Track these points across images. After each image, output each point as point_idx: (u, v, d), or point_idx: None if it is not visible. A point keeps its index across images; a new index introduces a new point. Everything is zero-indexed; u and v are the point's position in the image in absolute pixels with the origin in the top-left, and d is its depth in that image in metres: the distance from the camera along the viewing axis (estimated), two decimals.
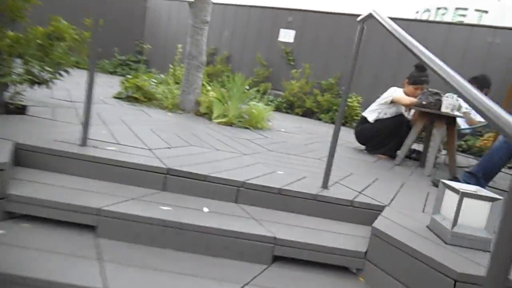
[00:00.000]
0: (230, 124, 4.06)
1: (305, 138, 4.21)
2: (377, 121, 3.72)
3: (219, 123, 4.05)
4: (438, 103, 3.29)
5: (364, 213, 1.96)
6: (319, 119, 7.09)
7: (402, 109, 3.76)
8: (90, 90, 2.07)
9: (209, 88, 4.68)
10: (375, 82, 6.95)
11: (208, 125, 3.79)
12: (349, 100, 6.79)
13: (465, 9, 24.24)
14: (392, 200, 2.15)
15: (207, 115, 4.27)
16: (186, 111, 4.34)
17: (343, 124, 6.86)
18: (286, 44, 7.77)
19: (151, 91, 4.60)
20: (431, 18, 24.28)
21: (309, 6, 7.86)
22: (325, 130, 5.52)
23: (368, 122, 3.80)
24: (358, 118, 6.66)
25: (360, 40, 2.16)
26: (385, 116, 3.71)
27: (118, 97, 4.55)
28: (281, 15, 7.80)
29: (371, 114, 3.80)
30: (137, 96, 4.49)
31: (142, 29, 10.14)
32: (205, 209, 1.74)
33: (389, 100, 3.64)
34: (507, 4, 20.34)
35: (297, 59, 7.67)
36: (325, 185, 2.10)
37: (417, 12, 26.61)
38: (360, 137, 3.90)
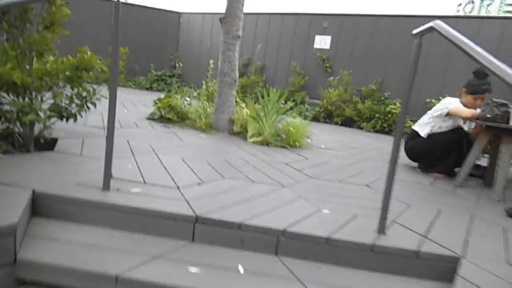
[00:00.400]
0: (266, 143, 3.80)
1: (349, 156, 3.84)
2: (430, 135, 3.29)
3: (254, 142, 3.80)
4: (506, 116, 2.82)
5: (433, 266, 1.61)
6: (360, 128, 6.64)
7: (460, 122, 3.29)
8: (111, 130, 1.86)
9: (242, 105, 4.46)
10: (420, 87, 6.40)
11: (242, 147, 3.55)
12: (393, 106, 6.31)
13: None
14: (465, 244, 1.77)
15: (241, 133, 4.04)
16: (220, 130, 4.14)
17: (387, 133, 6.38)
18: (322, 51, 7.41)
19: (184, 110, 4.45)
20: (475, 10, 22.75)
21: (345, 10, 7.46)
22: (368, 142, 5.10)
23: (419, 136, 3.37)
24: (404, 126, 6.15)
25: (418, 56, 1.79)
26: (440, 130, 3.26)
27: (151, 118, 4.45)
28: (316, 21, 7.47)
29: (423, 128, 3.37)
30: (170, 117, 4.36)
31: (176, 44, 10.21)
32: (241, 269, 1.48)
33: (445, 113, 3.19)
34: None
35: (334, 66, 7.28)
36: (381, 229, 1.76)
37: (459, 5, 25.12)
38: (411, 154, 3.48)
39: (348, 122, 6.89)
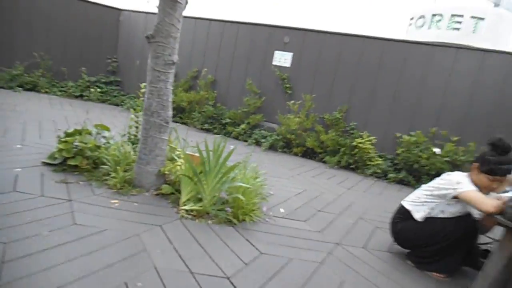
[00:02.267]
0: (204, 214, 2.75)
1: (318, 234, 2.91)
2: (428, 220, 2.45)
3: (189, 212, 2.74)
4: None
5: None
6: (323, 161, 5.82)
7: (470, 208, 2.46)
8: None
9: (178, 150, 3.36)
10: (391, 117, 5.71)
11: (170, 223, 2.48)
12: (359, 140, 5.54)
13: (461, 15, 23.52)
14: None
15: (172, 196, 2.96)
16: (143, 188, 3.02)
17: (353, 170, 5.61)
18: (282, 69, 6.49)
19: (99, 152, 3.26)
20: (426, 25, 23.47)
21: (308, 25, 6.62)
22: (337, 192, 4.22)
23: (412, 218, 2.52)
24: (372, 163, 5.45)
25: None
26: (441, 215, 2.42)
27: (49, 162, 3.21)
28: (276, 35, 6.53)
29: (418, 208, 2.51)
30: (76, 163, 3.16)
31: (114, 45, 8.78)
32: None
33: (451, 195, 2.35)
34: (503, 11, 19.66)
35: (295, 87, 6.40)
36: None
37: (411, 19, 25.84)
38: (401, 239, 2.62)
39: (309, 153, 6.05)
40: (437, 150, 5.16)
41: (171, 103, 3.06)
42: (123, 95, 8.56)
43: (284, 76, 6.42)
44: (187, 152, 3.11)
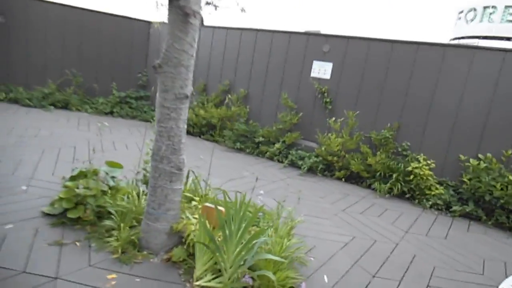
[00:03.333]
0: None
1: None
2: None
3: None
4: None
5: None
6: (371, 188, 5.01)
7: None
8: None
9: (195, 200, 2.77)
10: (452, 136, 4.79)
11: None
12: (416, 165, 4.67)
13: None
14: None
15: (186, 264, 2.37)
16: (151, 251, 2.47)
17: (407, 199, 4.76)
18: (321, 81, 5.76)
19: (102, 201, 2.76)
20: (477, 18, 21.65)
21: (351, 32, 5.85)
22: (397, 240, 3.44)
23: None
24: (431, 193, 4.56)
25: None
26: None
27: (48, 212, 2.75)
28: (314, 43, 5.81)
29: None
30: (76, 216, 2.68)
31: (145, 59, 8.48)
32: None
33: None
34: None
35: (336, 101, 5.64)
36: None
37: (460, 12, 23.94)
38: None
39: (353, 178, 5.26)
40: None
41: (185, 144, 2.47)
42: (153, 110, 8.23)
43: (323, 89, 5.68)
44: (205, 204, 2.51)
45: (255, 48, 6.46)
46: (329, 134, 5.38)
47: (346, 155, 5.27)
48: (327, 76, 5.69)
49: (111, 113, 7.82)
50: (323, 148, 5.38)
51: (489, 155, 4.47)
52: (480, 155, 4.55)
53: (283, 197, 3.52)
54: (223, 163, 5.19)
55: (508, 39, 17.40)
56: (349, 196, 4.62)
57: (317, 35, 5.79)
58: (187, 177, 3.06)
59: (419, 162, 4.73)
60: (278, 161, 5.79)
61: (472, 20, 20.57)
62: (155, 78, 8.15)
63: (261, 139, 6.03)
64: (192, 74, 2.39)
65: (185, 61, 2.27)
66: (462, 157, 4.65)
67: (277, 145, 5.83)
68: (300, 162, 5.51)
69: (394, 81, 5.13)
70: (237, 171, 4.90)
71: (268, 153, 5.87)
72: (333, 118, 5.41)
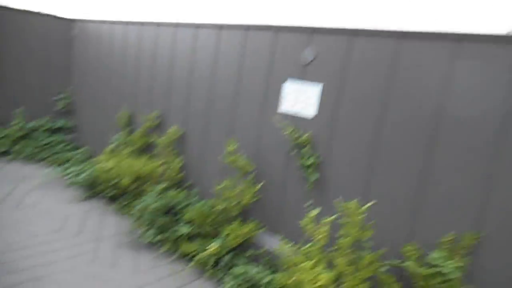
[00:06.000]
0: None
1: None
2: None
3: None
4: None
5: None
6: None
7: None
8: None
9: None
10: None
11: None
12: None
13: None
14: None
15: None
16: None
17: None
18: (296, 121, 2.88)
19: None
20: None
21: (355, 22, 3.02)
22: None
23: None
24: None
25: None
26: None
27: None
28: (287, 46, 2.94)
29: None
30: None
31: (67, 74, 5.90)
32: None
33: None
34: None
35: (327, 162, 2.72)
36: None
37: None
38: None
39: None
40: None
41: None
42: (76, 148, 5.63)
43: (301, 139, 2.79)
44: None
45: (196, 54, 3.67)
46: (307, 246, 2.47)
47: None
48: (311, 111, 2.79)
49: (7, 153, 5.29)
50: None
51: None
52: None
53: None
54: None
55: None
56: None
57: (292, 30, 2.91)
58: None
59: None
60: (216, 278, 2.93)
61: None
62: (85, 100, 5.59)
63: (186, 229, 3.17)
64: None
65: None
66: None
67: (212, 247, 2.97)
68: None
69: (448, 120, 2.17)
70: None
71: (197, 258, 3.02)
72: (316, 209, 2.50)
